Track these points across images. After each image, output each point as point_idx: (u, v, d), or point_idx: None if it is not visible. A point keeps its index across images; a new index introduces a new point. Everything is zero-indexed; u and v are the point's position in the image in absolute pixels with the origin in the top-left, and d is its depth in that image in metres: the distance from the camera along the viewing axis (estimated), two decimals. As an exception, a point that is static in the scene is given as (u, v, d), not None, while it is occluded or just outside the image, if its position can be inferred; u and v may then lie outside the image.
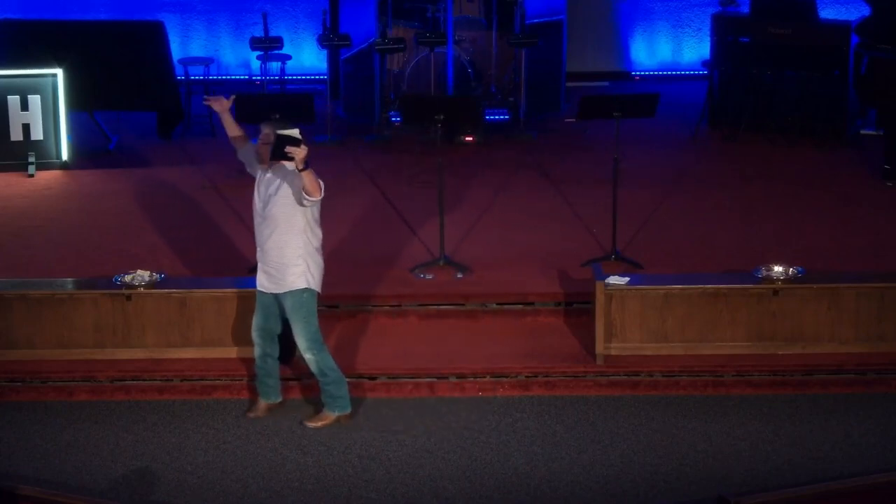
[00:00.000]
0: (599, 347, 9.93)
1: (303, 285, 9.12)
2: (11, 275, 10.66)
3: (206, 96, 9.84)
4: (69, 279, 10.46)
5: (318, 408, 9.47)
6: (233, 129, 9.58)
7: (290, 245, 9.06)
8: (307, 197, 8.88)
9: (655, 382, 9.87)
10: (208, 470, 8.91)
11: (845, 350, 10.02)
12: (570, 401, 9.75)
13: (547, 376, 9.87)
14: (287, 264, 9.08)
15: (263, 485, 8.75)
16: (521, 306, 10.56)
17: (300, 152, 8.70)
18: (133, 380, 9.85)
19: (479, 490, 8.69)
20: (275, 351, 9.43)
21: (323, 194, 8.94)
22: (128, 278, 10.07)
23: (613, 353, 9.98)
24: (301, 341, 9.22)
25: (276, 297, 9.20)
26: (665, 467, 8.93)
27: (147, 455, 9.09)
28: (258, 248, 9.21)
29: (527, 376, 9.88)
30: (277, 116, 9.46)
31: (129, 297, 9.95)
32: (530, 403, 9.71)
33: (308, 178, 8.80)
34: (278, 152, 8.77)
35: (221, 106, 9.58)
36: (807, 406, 9.68)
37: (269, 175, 9.10)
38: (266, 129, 9.10)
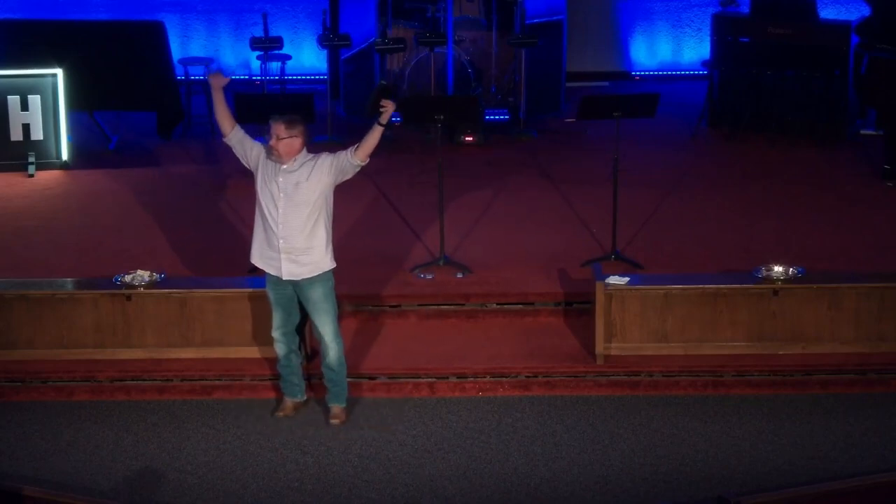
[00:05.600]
0: (599, 347, 9.93)
1: (331, 266, 9.21)
2: (11, 275, 10.65)
3: (208, 74, 9.85)
4: (69, 279, 10.46)
5: (326, 406, 9.49)
6: (223, 109, 9.32)
7: (319, 229, 9.12)
8: (359, 162, 9.10)
9: (655, 382, 9.87)
10: (208, 470, 8.91)
11: (845, 350, 10.02)
12: (570, 401, 9.75)
13: (547, 376, 9.87)
14: (316, 248, 9.13)
15: (263, 485, 8.74)
16: (521, 306, 10.55)
17: (391, 107, 9.13)
18: (133, 380, 9.85)
19: (479, 490, 8.69)
20: (297, 346, 9.46)
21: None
22: (128, 278, 10.07)
23: (613, 353, 9.97)
24: (328, 330, 9.25)
25: (297, 287, 9.20)
26: (665, 467, 8.92)
27: (147, 455, 9.09)
28: (278, 239, 9.10)
29: (527, 376, 9.87)
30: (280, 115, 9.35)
31: (129, 297, 9.94)
32: (530, 403, 9.71)
33: (377, 136, 9.10)
34: (376, 104, 9.26)
35: (219, 81, 9.32)
36: (807, 406, 9.68)
37: (286, 167, 9.07)
38: (275, 125, 9.07)
